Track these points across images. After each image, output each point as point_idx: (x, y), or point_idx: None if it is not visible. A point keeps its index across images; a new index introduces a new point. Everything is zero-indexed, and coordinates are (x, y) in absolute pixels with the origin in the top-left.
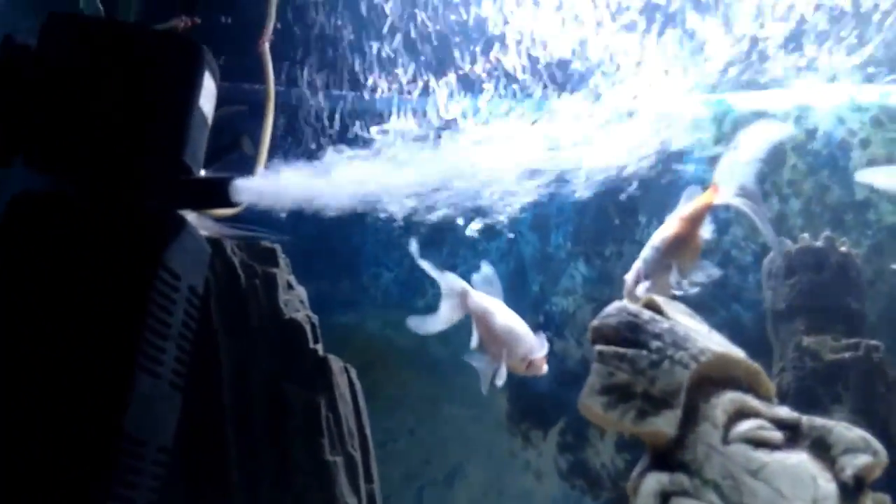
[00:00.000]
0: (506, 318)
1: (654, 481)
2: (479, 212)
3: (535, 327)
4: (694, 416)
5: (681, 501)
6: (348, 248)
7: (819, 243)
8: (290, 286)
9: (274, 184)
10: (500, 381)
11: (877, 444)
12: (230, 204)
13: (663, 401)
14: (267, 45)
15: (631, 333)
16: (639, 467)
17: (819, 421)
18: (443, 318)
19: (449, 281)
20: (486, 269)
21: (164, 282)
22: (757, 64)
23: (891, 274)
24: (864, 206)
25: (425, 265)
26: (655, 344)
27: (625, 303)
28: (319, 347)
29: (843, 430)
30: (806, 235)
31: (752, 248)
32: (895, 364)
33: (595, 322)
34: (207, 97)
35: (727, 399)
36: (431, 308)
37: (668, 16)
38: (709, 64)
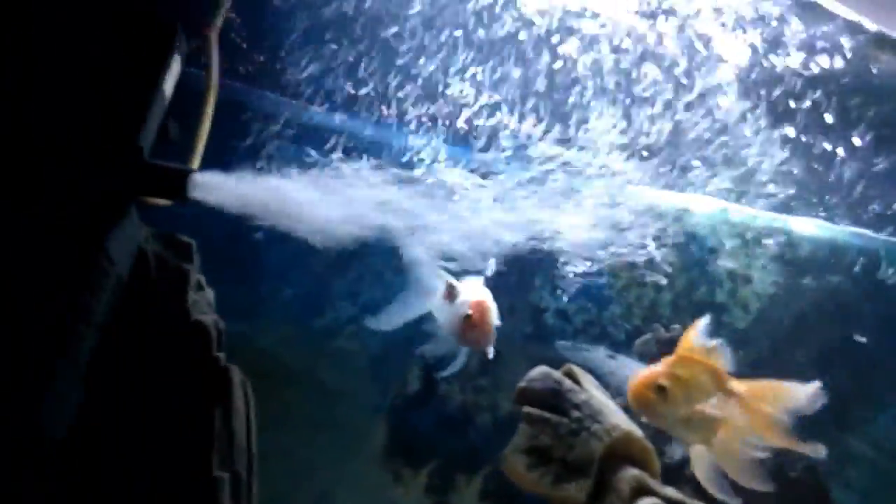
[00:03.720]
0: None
1: None
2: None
3: (424, 369)
4: (602, 486)
5: None
6: (252, 254)
7: None
8: (200, 286)
9: (228, 184)
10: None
11: None
12: (184, 197)
13: (578, 469)
14: (214, 33)
15: (554, 399)
16: None
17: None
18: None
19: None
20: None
21: (101, 269)
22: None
23: None
24: (721, 309)
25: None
26: (575, 414)
27: (548, 369)
28: (222, 356)
29: None
30: (678, 326)
31: (625, 327)
32: None
33: (522, 383)
34: (171, 79)
35: (630, 475)
36: (329, 329)
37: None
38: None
